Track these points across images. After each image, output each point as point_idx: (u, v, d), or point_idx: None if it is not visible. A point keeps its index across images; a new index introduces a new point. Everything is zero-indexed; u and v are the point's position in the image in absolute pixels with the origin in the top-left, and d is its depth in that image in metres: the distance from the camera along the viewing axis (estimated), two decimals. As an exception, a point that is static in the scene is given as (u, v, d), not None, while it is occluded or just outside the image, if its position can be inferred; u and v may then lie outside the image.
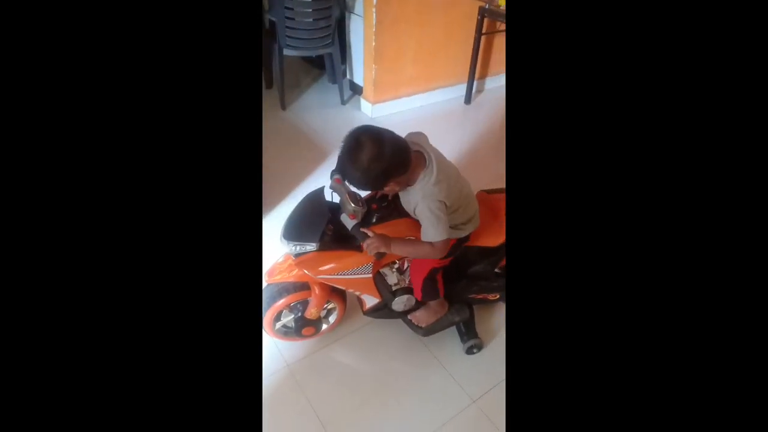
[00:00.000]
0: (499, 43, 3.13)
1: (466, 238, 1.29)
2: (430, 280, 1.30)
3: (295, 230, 1.20)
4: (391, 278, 1.36)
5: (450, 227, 1.14)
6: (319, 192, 1.26)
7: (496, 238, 1.36)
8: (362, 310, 1.42)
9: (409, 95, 2.97)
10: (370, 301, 1.37)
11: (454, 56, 2.97)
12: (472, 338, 1.46)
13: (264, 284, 1.36)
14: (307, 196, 1.27)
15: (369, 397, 1.36)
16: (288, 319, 1.41)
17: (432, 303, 1.40)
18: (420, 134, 1.19)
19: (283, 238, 1.22)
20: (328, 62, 2.98)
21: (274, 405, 1.32)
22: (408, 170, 1.07)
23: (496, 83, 3.34)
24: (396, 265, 1.35)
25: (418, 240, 1.16)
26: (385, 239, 1.14)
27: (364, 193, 1.21)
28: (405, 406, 1.35)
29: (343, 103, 2.98)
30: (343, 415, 1.31)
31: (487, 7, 2.71)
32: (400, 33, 2.67)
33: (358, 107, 2.96)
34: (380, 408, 1.34)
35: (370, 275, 1.27)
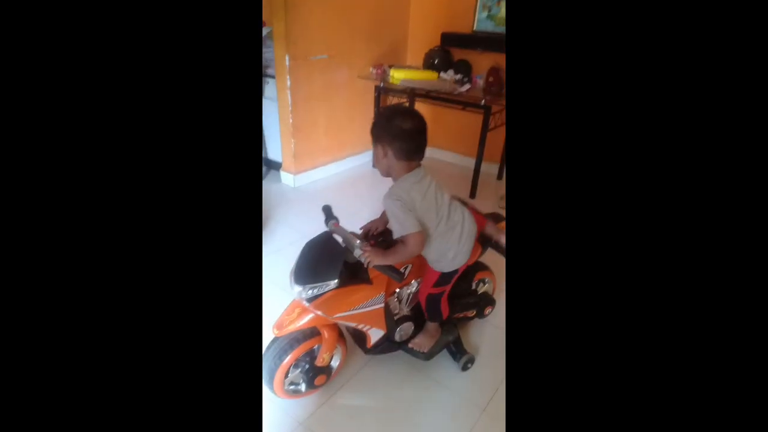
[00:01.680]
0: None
1: (455, 272, 1.42)
2: (432, 302, 1.43)
3: (310, 273, 1.25)
4: (394, 307, 1.45)
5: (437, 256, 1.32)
6: (327, 235, 1.34)
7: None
8: (367, 347, 1.46)
9: (325, 164, 3.20)
10: (375, 335, 1.43)
11: (359, 127, 3.33)
12: (464, 355, 1.60)
13: (273, 337, 1.33)
14: (312, 241, 1.33)
15: (393, 428, 1.38)
16: (295, 375, 1.39)
17: (429, 328, 1.52)
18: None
19: (295, 284, 1.25)
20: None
21: (302, 466, 1.25)
22: (411, 162, 1.24)
23: (395, 149, 3.79)
24: (396, 295, 1.46)
25: (400, 245, 1.25)
26: (378, 251, 1.24)
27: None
28: (425, 431, 1.39)
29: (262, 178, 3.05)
30: (375, 455, 1.30)
31: (381, 85, 3.16)
32: (312, 110, 2.94)
33: (278, 180, 3.06)
34: (405, 438, 1.36)
35: (383, 305, 1.35)
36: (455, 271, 1.42)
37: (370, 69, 3.19)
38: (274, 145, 3.04)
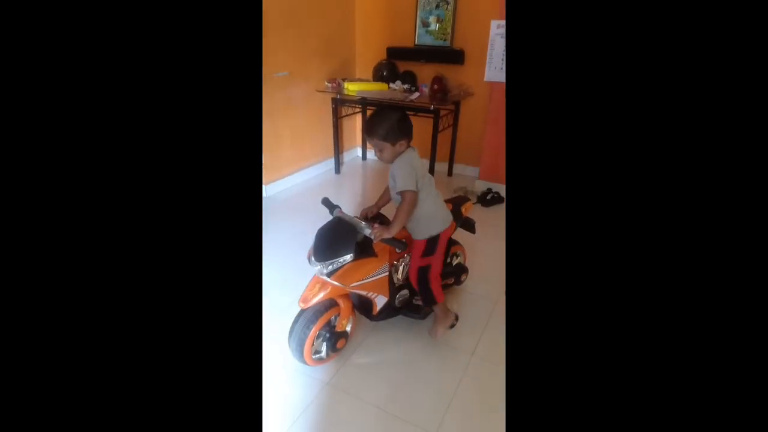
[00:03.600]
0: (348, 123, 3.91)
1: (437, 236, 1.72)
2: (422, 278, 1.73)
3: (329, 251, 1.50)
4: (395, 277, 1.74)
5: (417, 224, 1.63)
6: (336, 220, 1.60)
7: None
8: (373, 314, 1.74)
9: (291, 173, 3.42)
10: (380, 302, 1.71)
11: (321, 137, 3.60)
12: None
13: (299, 311, 1.58)
14: (324, 226, 1.59)
15: (402, 377, 1.66)
16: (318, 343, 1.63)
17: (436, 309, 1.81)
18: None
19: (316, 262, 1.50)
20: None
21: (335, 414, 1.49)
22: (405, 142, 1.55)
23: (353, 155, 4.09)
24: (394, 267, 1.75)
25: (398, 207, 1.57)
26: (383, 227, 1.55)
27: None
28: (428, 376, 1.69)
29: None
30: (392, 395, 1.58)
31: (338, 97, 3.46)
32: (276, 123, 3.16)
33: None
34: (414, 382, 1.65)
35: (387, 274, 1.64)
36: (437, 238, 1.69)
37: (326, 83, 3.48)
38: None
